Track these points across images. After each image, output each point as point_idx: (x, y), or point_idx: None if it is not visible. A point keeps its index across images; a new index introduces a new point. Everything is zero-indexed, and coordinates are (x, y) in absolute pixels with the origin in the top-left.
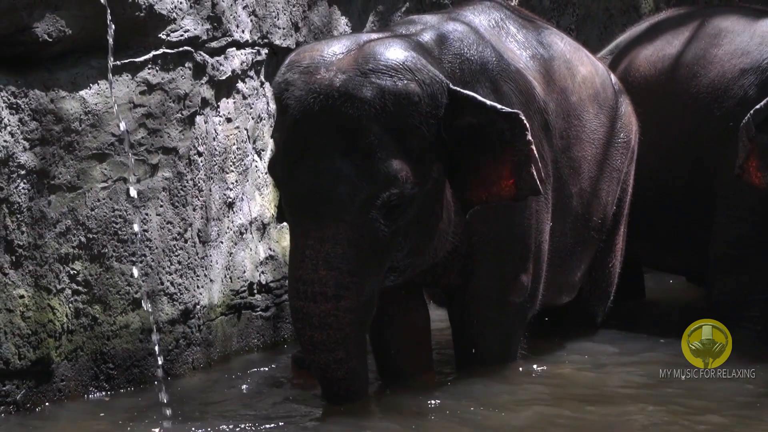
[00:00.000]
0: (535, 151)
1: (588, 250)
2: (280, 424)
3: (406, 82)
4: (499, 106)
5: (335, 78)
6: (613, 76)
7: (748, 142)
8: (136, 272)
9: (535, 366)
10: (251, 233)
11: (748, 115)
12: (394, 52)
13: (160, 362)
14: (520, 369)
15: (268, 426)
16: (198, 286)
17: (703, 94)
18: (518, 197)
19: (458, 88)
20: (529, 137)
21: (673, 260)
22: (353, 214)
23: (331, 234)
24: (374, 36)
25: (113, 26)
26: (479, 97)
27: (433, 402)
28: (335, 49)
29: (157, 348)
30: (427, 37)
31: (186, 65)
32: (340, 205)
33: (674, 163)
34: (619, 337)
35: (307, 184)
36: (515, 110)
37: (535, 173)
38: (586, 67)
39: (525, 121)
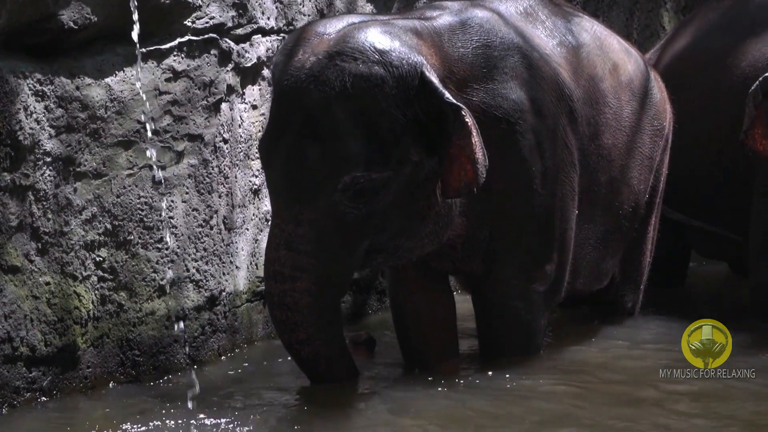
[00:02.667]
0: (476, 148)
1: (619, 238)
2: (306, 409)
3: (370, 64)
4: (446, 95)
5: (307, 60)
6: (647, 64)
7: (754, 108)
8: (170, 241)
9: (559, 356)
10: None
11: (757, 81)
12: (366, 34)
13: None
14: (544, 359)
15: (294, 412)
16: (223, 273)
17: (737, 83)
18: (458, 192)
19: (426, 72)
20: (471, 132)
21: (717, 248)
22: (316, 196)
23: (294, 215)
24: (369, 18)
25: (136, 13)
26: (435, 83)
27: (449, 390)
28: (325, 29)
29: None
30: (443, 21)
31: (211, 52)
32: (304, 187)
33: (714, 152)
34: (651, 326)
35: (278, 167)
36: (458, 103)
37: (471, 168)
38: (617, 54)
39: (465, 117)
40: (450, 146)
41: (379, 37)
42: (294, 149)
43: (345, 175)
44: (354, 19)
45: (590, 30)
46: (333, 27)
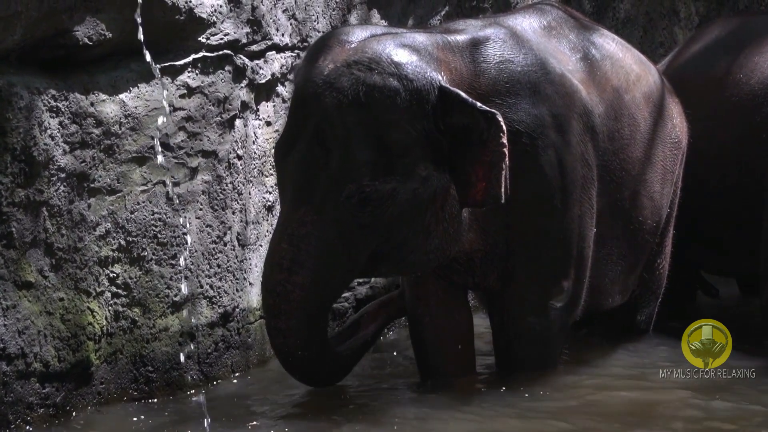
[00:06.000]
0: (507, 157)
1: (641, 253)
2: (320, 426)
3: (385, 75)
4: (479, 105)
5: (326, 67)
6: (662, 77)
7: None
8: (182, 262)
9: (576, 373)
10: None
11: None
12: (385, 46)
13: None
14: (561, 376)
15: (308, 430)
16: (237, 290)
17: (746, 100)
18: (484, 202)
19: (447, 86)
20: (504, 139)
21: (726, 265)
22: (322, 200)
23: (299, 216)
24: (392, 30)
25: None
26: (463, 95)
27: (461, 407)
28: (347, 37)
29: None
30: (466, 36)
31: (226, 69)
32: (311, 191)
33: (724, 169)
34: (669, 342)
35: (289, 169)
36: (492, 110)
37: (502, 179)
38: (639, 66)
39: (501, 122)
40: (485, 154)
41: (397, 50)
42: (305, 153)
43: (351, 183)
44: (378, 30)
45: (612, 43)
46: (356, 36)
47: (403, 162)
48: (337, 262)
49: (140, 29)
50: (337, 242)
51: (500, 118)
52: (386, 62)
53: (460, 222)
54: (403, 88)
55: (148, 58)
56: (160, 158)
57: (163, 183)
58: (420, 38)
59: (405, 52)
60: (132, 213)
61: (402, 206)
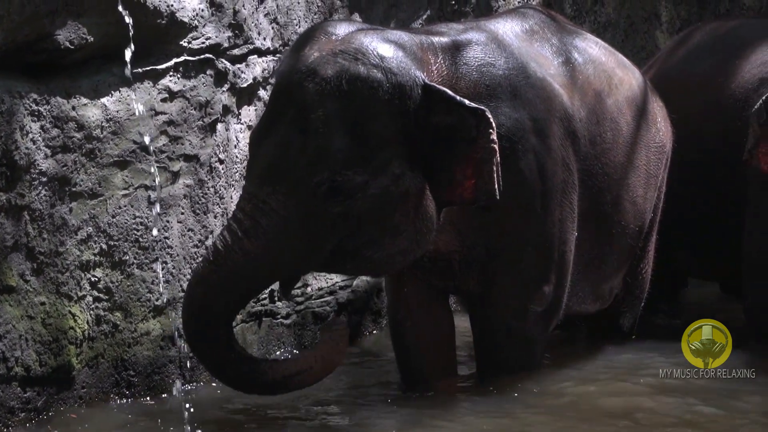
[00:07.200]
0: (498, 153)
1: (625, 258)
2: (304, 427)
3: (369, 66)
4: (467, 102)
5: (311, 56)
6: (646, 80)
7: (758, 127)
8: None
9: (556, 378)
10: None
11: (760, 101)
12: (372, 39)
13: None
14: (542, 380)
15: None
16: None
17: (727, 104)
18: (476, 200)
19: (432, 83)
20: (494, 136)
21: (708, 268)
22: (291, 183)
23: (265, 194)
24: (379, 28)
25: (131, 32)
26: (449, 92)
27: (442, 412)
28: (334, 29)
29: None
30: (449, 38)
31: (207, 73)
32: (281, 172)
33: (706, 172)
34: (651, 348)
35: (261, 150)
36: (481, 107)
37: (494, 175)
38: (622, 70)
39: (491, 118)
40: (475, 151)
41: (383, 44)
42: (282, 137)
43: (324, 170)
44: (364, 26)
45: (595, 47)
46: (342, 29)
47: (379, 156)
48: (293, 245)
49: (131, 30)
50: (299, 226)
51: (489, 115)
52: (372, 54)
53: (433, 225)
54: (386, 81)
55: (127, 57)
56: (147, 161)
57: (145, 187)
58: (405, 37)
59: (391, 47)
60: (113, 217)
61: (371, 201)
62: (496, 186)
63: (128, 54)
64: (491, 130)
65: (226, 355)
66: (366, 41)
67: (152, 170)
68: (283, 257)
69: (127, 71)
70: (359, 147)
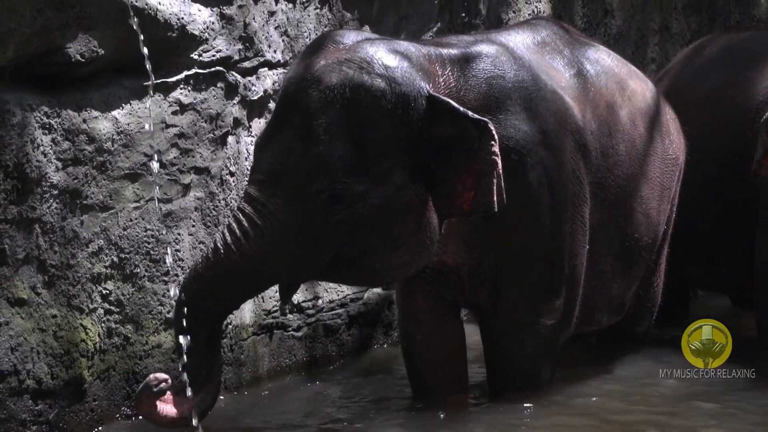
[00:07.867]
0: (500, 166)
1: (638, 270)
2: None
3: (373, 75)
4: (470, 113)
5: (317, 64)
6: (659, 92)
7: (767, 137)
8: (172, 291)
9: (567, 391)
10: None
11: None
12: (377, 49)
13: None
14: (552, 394)
15: None
16: None
17: (737, 116)
18: (473, 211)
19: (437, 94)
20: (496, 148)
21: (718, 280)
22: (292, 189)
23: (266, 197)
24: (388, 38)
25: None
26: (453, 103)
27: (454, 425)
28: (342, 38)
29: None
30: (458, 50)
31: (218, 85)
32: (282, 178)
33: (717, 184)
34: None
35: (265, 155)
36: (484, 118)
37: (494, 187)
38: (634, 82)
39: (493, 130)
40: (475, 162)
41: (389, 54)
42: (285, 143)
43: (325, 178)
44: (372, 36)
45: (607, 58)
46: (350, 38)
47: (381, 165)
48: (291, 251)
49: (142, 45)
50: (298, 232)
51: (492, 127)
52: (377, 63)
53: (436, 236)
54: (390, 90)
55: (148, 66)
56: (158, 174)
57: (156, 200)
58: (412, 48)
59: (396, 57)
60: (125, 230)
61: (372, 210)
62: (495, 199)
63: (148, 65)
64: (493, 142)
65: (204, 355)
66: (372, 51)
67: (155, 188)
68: (280, 261)
69: (150, 83)
70: (361, 156)
